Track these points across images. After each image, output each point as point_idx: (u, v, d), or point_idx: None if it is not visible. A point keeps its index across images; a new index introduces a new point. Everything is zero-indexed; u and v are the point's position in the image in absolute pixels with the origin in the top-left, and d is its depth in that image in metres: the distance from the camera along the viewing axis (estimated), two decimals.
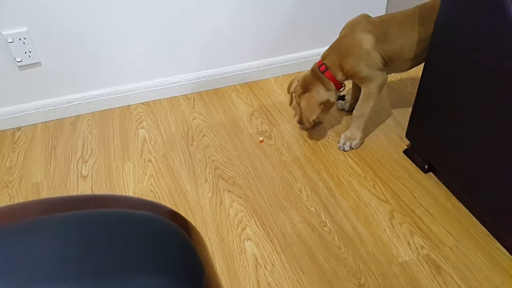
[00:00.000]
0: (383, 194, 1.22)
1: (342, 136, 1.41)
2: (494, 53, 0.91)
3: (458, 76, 1.03)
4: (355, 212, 1.17)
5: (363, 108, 1.34)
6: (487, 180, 1.01)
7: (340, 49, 1.30)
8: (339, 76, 1.32)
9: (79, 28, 1.43)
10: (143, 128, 1.54)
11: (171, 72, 1.66)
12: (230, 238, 1.13)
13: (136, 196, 1.23)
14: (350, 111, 1.54)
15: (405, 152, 1.35)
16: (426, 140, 1.22)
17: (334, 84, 1.33)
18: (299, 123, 1.49)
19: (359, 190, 1.24)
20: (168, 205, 1.23)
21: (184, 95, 1.71)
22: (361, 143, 1.40)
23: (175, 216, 0.46)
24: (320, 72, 1.33)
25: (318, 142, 1.43)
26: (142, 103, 1.66)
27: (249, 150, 1.41)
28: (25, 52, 1.42)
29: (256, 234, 1.13)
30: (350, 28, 1.31)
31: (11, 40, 1.38)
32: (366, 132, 1.45)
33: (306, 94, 1.35)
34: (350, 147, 1.39)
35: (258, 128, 1.50)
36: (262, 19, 1.64)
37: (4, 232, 0.38)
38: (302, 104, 1.36)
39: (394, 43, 1.25)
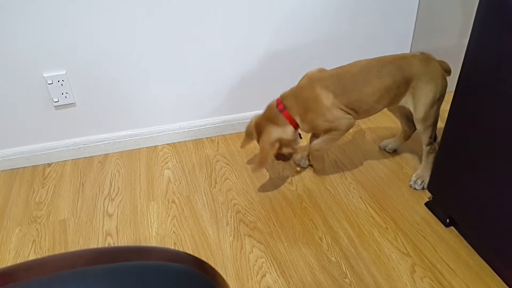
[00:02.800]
0: (405, 246, 1.22)
1: (301, 154, 1.50)
2: None
3: (481, 130, 1.05)
4: (376, 264, 1.17)
5: (321, 145, 1.41)
6: (511, 238, 1.01)
7: (301, 100, 1.34)
8: (298, 121, 1.35)
9: (113, 72, 1.52)
10: (168, 168, 1.58)
11: (197, 116, 1.72)
12: (250, 285, 1.13)
13: (159, 236, 1.26)
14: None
15: (426, 204, 1.36)
16: (447, 194, 1.23)
17: (291, 123, 1.35)
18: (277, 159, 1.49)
19: (380, 242, 1.24)
20: (190, 248, 1.24)
21: (209, 137, 1.76)
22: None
23: (209, 270, 0.48)
24: (278, 110, 1.35)
25: (339, 190, 1.45)
26: (169, 144, 1.72)
27: (270, 195, 1.44)
28: (62, 93, 1.50)
29: (276, 282, 1.14)
30: (310, 82, 1.34)
31: (51, 82, 1.46)
32: (388, 183, 1.46)
33: (260, 137, 1.38)
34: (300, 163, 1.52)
35: (279, 173, 1.53)
36: (287, 66, 1.70)
37: (56, 280, 0.41)
38: (260, 146, 1.39)
39: (350, 95, 1.30)
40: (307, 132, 1.41)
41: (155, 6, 1.43)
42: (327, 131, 1.36)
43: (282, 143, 1.37)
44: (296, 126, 1.38)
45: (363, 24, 1.70)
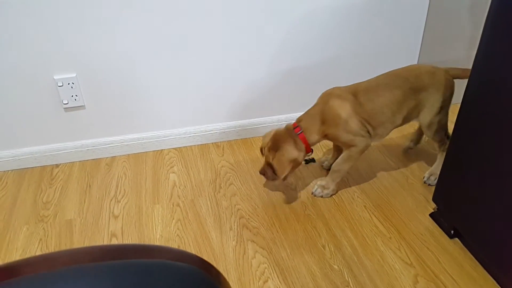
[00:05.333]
0: (408, 257, 1.22)
1: (317, 183, 1.48)
2: None
3: (487, 142, 1.05)
4: (379, 274, 1.17)
5: (341, 165, 1.42)
6: None
7: (316, 115, 1.36)
8: (312, 140, 1.37)
9: (122, 77, 1.54)
10: (174, 172, 1.59)
11: (203, 121, 1.73)
12: None
13: (163, 238, 1.27)
14: (329, 169, 1.58)
15: (431, 215, 1.35)
16: (453, 205, 1.23)
17: (305, 147, 1.37)
18: (260, 173, 1.45)
19: (383, 251, 1.24)
20: (193, 251, 1.25)
21: (214, 142, 1.77)
22: (332, 195, 1.46)
23: (213, 271, 0.49)
24: (294, 134, 1.37)
25: (343, 198, 1.45)
26: (175, 148, 1.73)
27: (274, 201, 1.44)
28: (72, 96, 1.52)
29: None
30: (324, 96, 1.39)
31: (61, 84, 1.49)
32: (392, 193, 1.46)
33: (278, 153, 1.36)
34: (321, 196, 1.46)
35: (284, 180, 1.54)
36: (293, 77, 1.71)
37: (60, 275, 0.42)
38: (274, 161, 1.36)
39: (365, 106, 1.34)
40: (317, 142, 1.42)
41: (167, 14, 1.45)
42: (347, 144, 1.37)
43: (294, 164, 1.37)
44: (308, 150, 1.39)
45: (371, 37, 1.71)
